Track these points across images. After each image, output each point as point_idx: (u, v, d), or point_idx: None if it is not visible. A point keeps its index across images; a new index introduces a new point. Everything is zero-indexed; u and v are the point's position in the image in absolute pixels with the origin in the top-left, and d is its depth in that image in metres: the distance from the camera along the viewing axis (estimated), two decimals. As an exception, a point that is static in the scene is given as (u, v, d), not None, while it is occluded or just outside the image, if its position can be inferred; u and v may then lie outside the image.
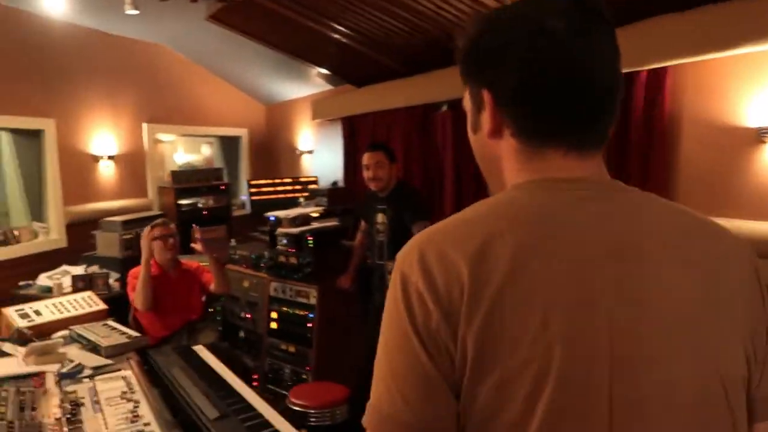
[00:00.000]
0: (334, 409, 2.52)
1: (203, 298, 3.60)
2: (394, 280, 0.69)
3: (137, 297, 3.24)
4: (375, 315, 3.14)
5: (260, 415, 2.13)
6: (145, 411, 2.05)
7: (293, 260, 3.38)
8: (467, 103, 0.81)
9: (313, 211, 3.50)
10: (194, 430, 2.06)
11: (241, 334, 3.81)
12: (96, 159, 5.09)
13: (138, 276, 3.32)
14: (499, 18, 0.75)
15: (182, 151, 7.99)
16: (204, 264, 3.50)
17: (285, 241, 3.40)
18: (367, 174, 3.19)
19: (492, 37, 0.74)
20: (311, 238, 3.28)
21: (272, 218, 3.51)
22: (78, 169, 4.93)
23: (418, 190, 3.54)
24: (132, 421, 1.98)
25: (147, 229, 3.36)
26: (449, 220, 0.72)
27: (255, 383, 3.66)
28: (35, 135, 4.59)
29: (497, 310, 0.62)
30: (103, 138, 5.18)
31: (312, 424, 2.53)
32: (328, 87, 5.77)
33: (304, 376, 3.35)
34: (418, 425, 0.64)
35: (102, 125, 5.19)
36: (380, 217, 3.17)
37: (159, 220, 3.51)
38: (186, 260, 3.57)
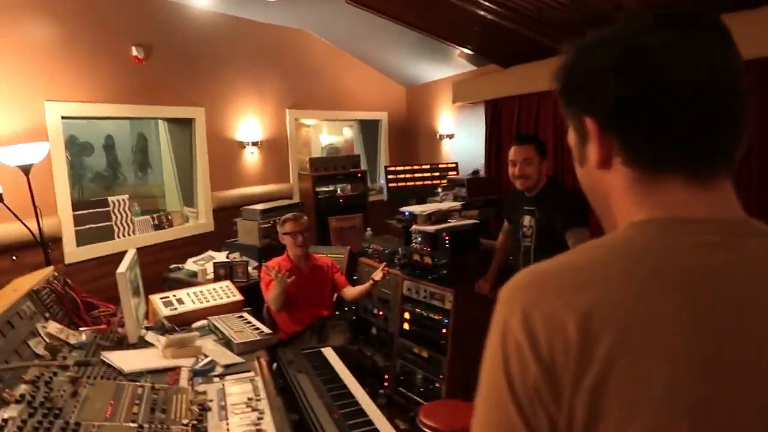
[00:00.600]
0: (469, 436, 2.25)
1: (334, 297, 3.51)
2: (495, 322, 0.63)
3: (272, 302, 3.24)
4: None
5: (388, 444, 1.94)
6: (268, 425, 1.94)
7: (428, 260, 3.13)
8: (571, 139, 0.75)
9: (451, 206, 3.21)
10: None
11: (374, 331, 3.66)
12: (242, 145, 5.24)
13: (266, 274, 3.31)
14: (592, 41, 0.69)
15: (326, 133, 8.11)
16: (338, 257, 3.41)
17: (420, 239, 3.16)
18: (512, 171, 2.81)
19: (586, 60, 0.69)
20: (448, 238, 2.99)
21: (407, 213, 3.28)
22: (224, 155, 5.10)
23: (573, 190, 3.08)
24: (254, 437, 1.87)
25: (274, 272, 3.25)
26: (558, 263, 0.64)
27: (386, 383, 3.50)
28: (187, 123, 4.80)
29: (612, 373, 0.56)
30: (249, 125, 5.31)
31: (443, 450, 2.28)
32: (470, 68, 5.41)
33: (437, 384, 3.11)
34: None
35: (247, 112, 5.32)
36: (527, 220, 2.79)
37: (290, 215, 3.47)
38: (318, 255, 3.49)
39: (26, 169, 3.18)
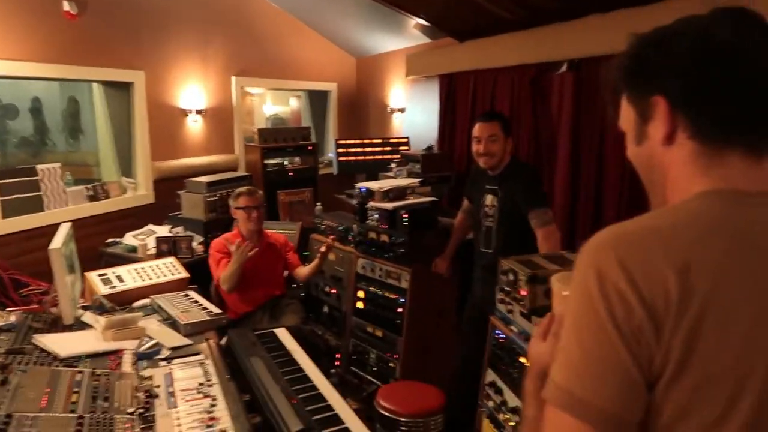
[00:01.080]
0: (428, 419, 2.21)
1: (285, 274, 3.39)
2: (585, 273, 0.72)
3: (225, 281, 3.11)
4: (474, 308, 2.77)
5: (347, 429, 1.86)
6: (222, 413, 1.83)
7: (384, 238, 3.05)
8: (626, 121, 0.85)
9: (410, 183, 3.14)
10: (274, 442, 1.83)
11: (325, 309, 3.58)
12: (184, 113, 4.95)
13: (222, 250, 3.16)
14: (663, 33, 0.79)
15: (270, 103, 7.83)
16: (289, 233, 3.28)
17: (376, 216, 3.07)
18: (477, 147, 2.75)
19: (659, 47, 0.79)
20: (406, 216, 2.92)
21: (363, 189, 3.18)
22: (166, 123, 4.81)
23: (534, 169, 3.05)
24: (207, 426, 1.76)
25: (236, 243, 3.16)
26: (641, 225, 0.74)
27: (337, 362, 3.44)
28: (125, 87, 4.48)
29: (704, 319, 0.67)
30: (192, 92, 5.02)
31: (402, 432, 2.25)
32: (425, 40, 5.29)
33: (391, 364, 3.07)
34: (611, 411, 0.68)
35: (191, 78, 5.03)
36: (489, 199, 2.75)
37: (244, 189, 3.32)
38: (271, 231, 3.35)
39: (-58, 133, 2.87)
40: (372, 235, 3.13)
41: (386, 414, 2.25)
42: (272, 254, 3.34)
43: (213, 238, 3.81)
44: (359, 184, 3.28)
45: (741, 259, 0.70)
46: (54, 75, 3.99)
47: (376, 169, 5.44)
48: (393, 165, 4.09)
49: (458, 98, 4.70)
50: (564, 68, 3.47)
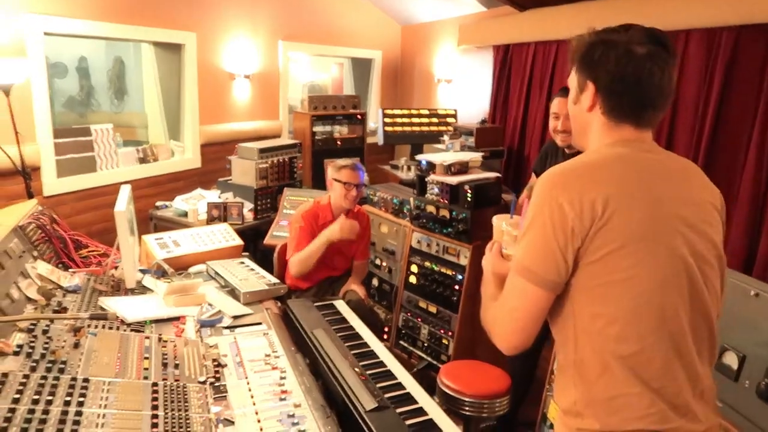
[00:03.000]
0: (494, 401, 2.16)
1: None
2: (541, 195, 1.16)
3: (298, 264, 2.92)
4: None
5: (421, 410, 1.82)
6: (293, 386, 1.79)
7: (444, 213, 2.95)
8: (571, 84, 1.29)
9: (473, 158, 3.03)
10: (348, 420, 1.79)
11: (375, 282, 3.53)
12: (231, 77, 4.89)
13: (311, 222, 3.00)
14: (605, 38, 1.19)
15: (310, 68, 7.70)
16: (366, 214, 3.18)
17: (436, 191, 2.98)
18: (554, 124, 2.62)
19: (600, 49, 1.20)
20: (470, 191, 2.82)
21: (423, 162, 3.08)
22: (213, 87, 4.76)
23: None
24: (281, 399, 1.73)
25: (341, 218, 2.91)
26: (578, 164, 1.20)
27: (386, 336, 3.40)
28: (176, 49, 4.42)
29: (614, 216, 1.10)
30: (240, 55, 4.94)
31: (465, 413, 2.20)
32: (479, 9, 5.10)
33: (444, 341, 3.01)
34: (548, 278, 1.14)
35: (239, 42, 4.94)
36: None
37: (349, 162, 3.04)
38: (357, 207, 3.15)
39: (6, 89, 2.85)
40: (431, 209, 3.04)
41: (450, 393, 2.20)
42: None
43: (263, 206, 3.78)
44: (419, 157, 3.18)
45: (638, 179, 1.15)
46: (106, 34, 3.94)
47: (421, 140, 5.33)
48: (445, 137, 3.97)
49: (514, 70, 4.53)
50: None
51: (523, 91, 4.36)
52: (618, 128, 1.21)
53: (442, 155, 3.15)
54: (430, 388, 2.03)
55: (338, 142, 4.80)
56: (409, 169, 4.91)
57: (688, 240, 1.14)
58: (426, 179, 3.04)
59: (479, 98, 5.10)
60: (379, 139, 5.30)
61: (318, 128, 4.72)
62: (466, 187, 2.84)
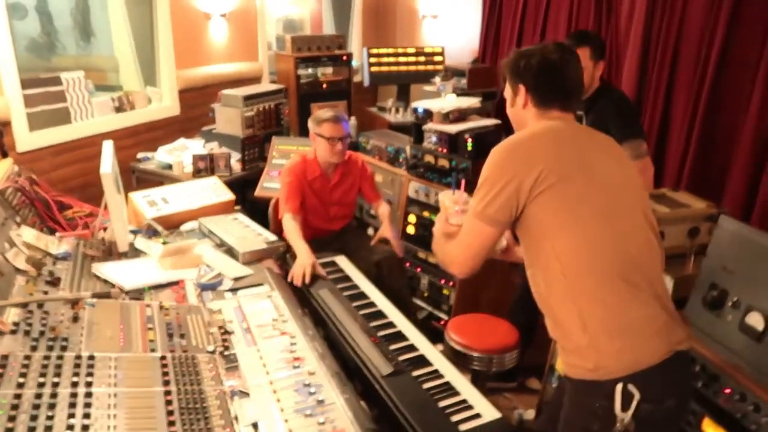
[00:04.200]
0: (503, 356, 2.16)
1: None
2: (495, 159, 1.50)
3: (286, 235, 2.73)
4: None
5: (437, 372, 1.80)
6: (305, 352, 1.75)
7: (444, 162, 2.86)
8: (507, 93, 1.63)
9: (471, 104, 2.90)
10: (365, 386, 1.76)
11: (370, 231, 3.47)
12: (207, 17, 4.58)
13: (298, 177, 2.86)
14: (527, 52, 1.58)
15: (287, 3, 7.27)
16: (368, 165, 3.02)
17: (434, 139, 2.87)
18: None
19: (523, 60, 1.57)
20: (471, 140, 2.72)
21: (420, 110, 2.94)
22: (189, 28, 4.45)
23: (627, 97, 2.74)
24: (294, 367, 1.69)
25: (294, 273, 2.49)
26: (523, 136, 1.54)
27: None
28: (145, -13, 4.10)
29: (548, 170, 1.39)
30: (214, -9, 4.62)
31: (474, 367, 2.20)
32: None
33: (445, 291, 3.00)
34: (498, 219, 1.45)
35: (212, -23, 4.60)
36: (571, 124, 2.54)
37: (329, 114, 2.81)
38: (349, 152, 2.96)
39: (-34, 39, 2.60)
40: (429, 158, 2.95)
41: (459, 349, 2.19)
42: (346, 184, 2.96)
43: (250, 156, 3.65)
44: (415, 104, 3.05)
45: (563, 141, 1.48)
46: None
47: (408, 81, 5.15)
48: (437, 79, 3.81)
49: (505, 7, 4.33)
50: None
51: (515, 30, 4.19)
52: (548, 113, 1.54)
53: (440, 102, 3.02)
54: (432, 337, 2.00)
55: (324, 85, 4.60)
56: (397, 111, 4.76)
57: (608, 173, 1.50)
58: (423, 127, 2.93)
59: (467, 36, 4.91)
60: (365, 80, 5.11)
61: (302, 71, 4.50)
62: (466, 135, 2.74)
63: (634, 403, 1.31)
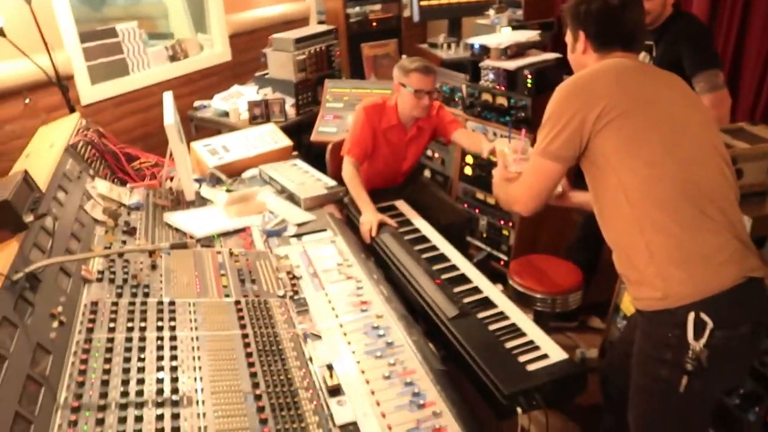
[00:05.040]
0: (567, 296, 2.15)
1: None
2: (560, 96, 1.50)
3: (346, 180, 2.63)
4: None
5: (502, 314, 1.82)
6: (372, 296, 1.80)
7: (502, 101, 2.77)
8: (567, 38, 1.64)
9: (530, 37, 2.77)
10: (431, 328, 1.80)
11: (426, 173, 3.45)
12: (252, -44, 4.51)
13: (372, 124, 2.65)
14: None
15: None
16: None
17: (492, 77, 2.77)
18: None
19: (585, 5, 1.54)
20: (530, 76, 2.62)
21: (476, 46, 2.83)
22: (234, -31, 4.39)
23: (702, 23, 2.53)
24: (362, 310, 1.74)
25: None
26: (588, 72, 1.51)
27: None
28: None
29: (611, 104, 1.41)
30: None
31: (538, 308, 2.20)
32: None
33: (504, 232, 2.98)
34: (563, 155, 1.48)
35: None
36: (641, 56, 2.38)
37: (419, 64, 2.57)
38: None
39: (27, -4, 2.65)
40: (486, 97, 2.86)
41: (522, 290, 2.20)
42: (420, 138, 2.76)
43: (304, 101, 3.64)
44: (471, 40, 2.93)
45: (633, 79, 1.47)
46: None
47: (460, 14, 4.95)
48: (490, 11, 3.64)
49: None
50: None
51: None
52: (608, 55, 1.53)
53: (496, 37, 2.90)
54: (492, 277, 2.01)
55: (374, 23, 4.47)
56: (449, 47, 4.61)
57: (673, 105, 1.47)
58: (480, 64, 2.82)
59: (523, -38, 4.62)
60: (414, 15, 4.93)
61: (351, 10, 4.38)
62: (526, 72, 2.63)
63: (707, 331, 1.30)
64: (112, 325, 1.49)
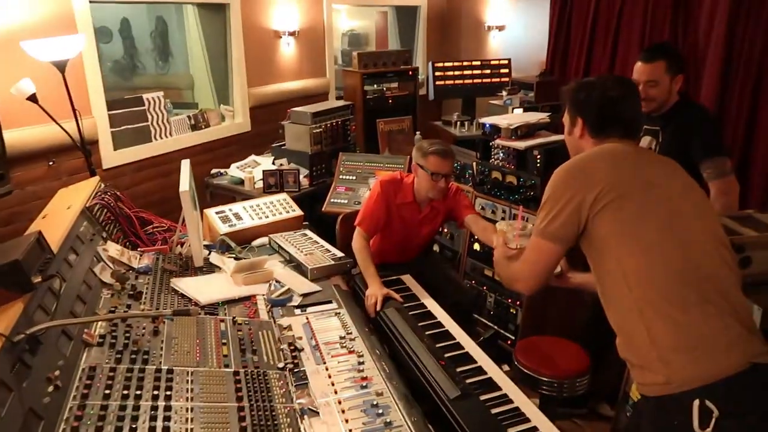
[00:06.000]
0: (574, 381, 2.09)
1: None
2: (558, 179, 1.54)
3: (356, 254, 2.66)
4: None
5: (505, 396, 1.76)
6: (373, 372, 1.76)
7: (511, 179, 2.82)
8: (566, 119, 1.71)
9: (540, 118, 2.85)
10: (432, 407, 1.75)
11: (436, 248, 3.46)
12: (278, 35, 4.74)
13: (387, 198, 2.68)
14: (588, 85, 1.67)
15: (346, 17, 7.40)
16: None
17: (502, 155, 2.83)
18: None
19: (584, 93, 1.65)
20: (540, 156, 2.67)
21: (487, 126, 2.92)
22: (260, 46, 4.63)
23: (708, 111, 2.60)
24: (362, 387, 1.70)
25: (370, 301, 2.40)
26: (583, 157, 1.58)
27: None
28: (220, 9, 4.29)
29: (613, 189, 1.44)
30: (284, 12, 4.77)
31: (544, 392, 2.14)
32: (534, -51, 4.77)
33: (512, 310, 2.94)
34: (561, 236, 1.50)
35: (283, -3, 4.77)
36: (647, 141, 2.43)
37: (438, 147, 2.57)
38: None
39: (61, 66, 2.80)
40: (496, 175, 2.91)
41: (528, 372, 2.14)
42: (433, 216, 2.77)
43: (318, 172, 3.72)
44: (482, 119, 3.02)
45: (629, 163, 1.52)
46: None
47: (474, 94, 5.12)
48: (503, 93, 3.77)
49: (575, 15, 4.23)
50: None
51: (586, 40, 4.08)
52: (606, 140, 1.59)
53: (507, 117, 2.99)
54: (498, 357, 1.97)
55: (390, 100, 4.64)
56: (462, 125, 4.74)
57: (670, 190, 1.51)
58: (490, 143, 2.89)
59: (534, 47, 4.83)
60: (430, 94, 5.12)
61: (368, 86, 4.56)
62: (536, 152, 2.69)
63: (713, 421, 1.26)
64: (107, 391, 1.47)
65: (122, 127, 3.63)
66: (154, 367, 1.62)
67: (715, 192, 2.24)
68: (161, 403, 1.48)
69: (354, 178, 3.59)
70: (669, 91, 2.38)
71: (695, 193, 1.55)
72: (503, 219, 2.77)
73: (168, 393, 1.53)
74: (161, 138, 3.89)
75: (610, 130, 1.59)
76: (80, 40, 2.87)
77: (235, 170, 3.75)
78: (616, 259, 1.43)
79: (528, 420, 1.67)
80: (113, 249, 2.26)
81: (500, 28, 5.52)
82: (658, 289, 1.37)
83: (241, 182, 3.66)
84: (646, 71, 2.37)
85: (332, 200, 3.46)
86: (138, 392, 1.49)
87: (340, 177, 3.60)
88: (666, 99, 2.38)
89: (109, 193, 2.64)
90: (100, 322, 1.77)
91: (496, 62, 5.19)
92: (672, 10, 3.33)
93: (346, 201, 3.42)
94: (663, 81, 2.35)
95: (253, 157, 3.93)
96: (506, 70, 5.11)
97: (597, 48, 4.07)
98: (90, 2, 3.32)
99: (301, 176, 3.59)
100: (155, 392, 1.51)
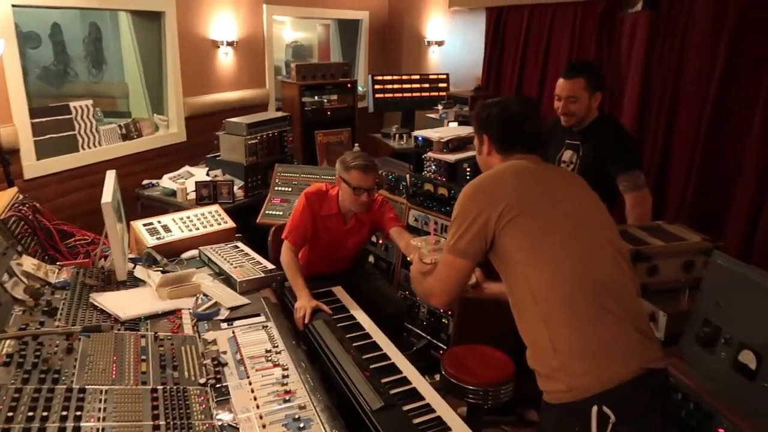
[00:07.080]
0: (499, 388, 2.14)
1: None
2: (465, 198, 1.60)
3: (284, 267, 2.63)
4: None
5: (428, 406, 1.79)
6: (297, 385, 1.75)
7: (443, 191, 2.87)
8: (476, 141, 1.79)
9: (470, 133, 2.92)
10: (355, 420, 1.75)
11: (371, 259, 3.47)
12: (215, 45, 4.68)
13: (312, 209, 2.68)
14: (491, 104, 1.74)
15: (290, 29, 7.39)
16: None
17: (434, 168, 2.88)
18: (556, 105, 2.52)
19: (487, 111, 1.73)
20: (469, 169, 2.74)
21: (420, 139, 2.97)
22: (197, 56, 4.55)
23: (624, 127, 2.74)
24: (285, 401, 1.68)
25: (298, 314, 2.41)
26: (488, 175, 1.64)
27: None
28: (155, 17, 4.20)
29: (512, 203, 1.50)
30: (223, 22, 4.72)
31: (470, 401, 2.18)
32: (471, -32, 4.90)
33: (444, 320, 2.98)
34: (470, 251, 1.56)
35: (222, 7, 4.71)
36: (568, 155, 2.54)
37: (360, 162, 2.56)
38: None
39: (-25, 71, 2.67)
40: (428, 187, 2.96)
41: (455, 381, 2.18)
42: (359, 229, 2.79)
43: (253, 183, 3.68)
44: (416, 133, 3.07)
45: (532, 179, 1.59)
46: (78, 3, 3.72)
47: (413, 107, 5.20)
48: (439, 107, 3.85)
49: (508, 34, 4.37)
50: (639, 7, 3.16)
51: (518, 57, 4.23)
52: (512, 156, 1.66)
53: (439, 131, 3.05)
54: (431, 366, 2.00)
55: (328, 112, 4.65)
56: (401, 137, 4.80)
57: (572, 203, 1.59)
58: (423, 156, 2.95)
59: (472, 62, 4.96)
60: (370, 106, 5.16)
61: (307, 98, 4.56)
62: (465, 164, 2.75)
63: (610, 426, 1.32)
64: (10, 414, 1.40)
65: (47, 136, 3.48)
66: (65, 386, 1.56)
67: (629, 203, 2.36)
68: (70, 424, 1.42)
69: (290, 189, 3.57)
70: (588, 107, 2.49)
71: (595, 205, 1.62)
72: (435, 232, 2.81)
73: (78, 413, 1.47)
74: (89, 147, 3.75)
75: (514, 145, 1.65)
76: (0, 45, 2.75)
77: (167, 181, 3.66)
78: (522, 272, 1.49)
79: (449, 429, 1.69)
80: (28, 263, 2.16)
81: (439, 44, 5.64)
82: (560, 300, 1.43)
83: (174, 194, 3.57)
84: (566, 87, 2.49)
85: (267, 212, 3.43)
86: (45, 413, 1.43)
87: (276, 188, 3.58)
88: (585, 114, 2.50)
89: (27, 205, 2.53)
90: (7, 341, 1.69)
91: (435, 76, 5.30)
92: (597, 30, 3.50)
93: (281, 213, 3.39)
94: (582, 97, 2.46)
95: (186, 168, 3.85)
96: (444, 85, 5.22)
97: (529, 64, 4.23)
98: (12, 6, 3.18)
99: (236, 188, 3.54)
100: (64, 413, 1.45)
